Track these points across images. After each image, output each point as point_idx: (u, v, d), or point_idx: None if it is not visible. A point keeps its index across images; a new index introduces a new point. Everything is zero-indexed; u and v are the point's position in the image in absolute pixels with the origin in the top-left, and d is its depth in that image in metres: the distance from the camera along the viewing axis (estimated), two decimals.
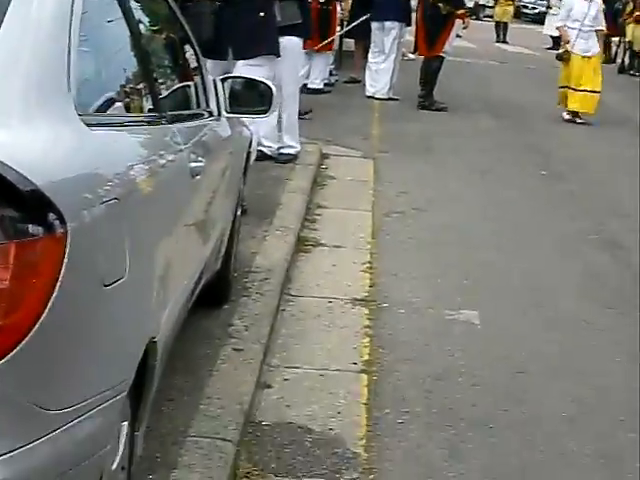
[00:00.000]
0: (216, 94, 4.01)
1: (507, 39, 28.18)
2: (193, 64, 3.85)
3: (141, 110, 2.87)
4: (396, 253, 6.43)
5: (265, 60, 6.37)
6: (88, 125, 2.26)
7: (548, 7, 28.33)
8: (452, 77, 14.29)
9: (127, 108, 2.68)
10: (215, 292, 4.79)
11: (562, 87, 12.33)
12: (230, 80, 4.07)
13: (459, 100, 13.23)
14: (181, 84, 3.56)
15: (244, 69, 6.26)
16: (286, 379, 4.40)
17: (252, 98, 4.09)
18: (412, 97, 12.42)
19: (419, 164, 9.06)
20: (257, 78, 4.19)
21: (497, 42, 27.90)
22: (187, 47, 3.82)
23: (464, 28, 12.80)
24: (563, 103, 12.34)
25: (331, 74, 13.74)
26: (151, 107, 2.94)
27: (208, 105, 3.98)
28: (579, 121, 12.21)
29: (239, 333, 4.65)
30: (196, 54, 3.90)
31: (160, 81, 3.13)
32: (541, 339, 5.10)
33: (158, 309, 2.73)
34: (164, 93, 3.16)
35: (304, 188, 7.49)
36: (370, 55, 12.94)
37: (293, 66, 7.65)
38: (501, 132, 11.37)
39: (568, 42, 12.23)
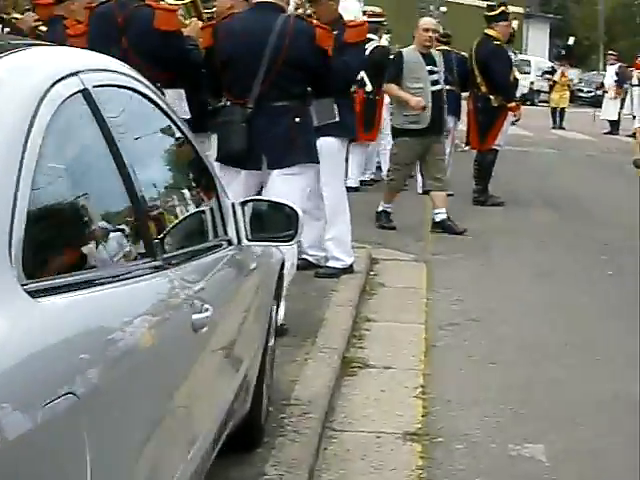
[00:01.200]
0: (235, 220, 3.51)
1: (564, 125, 27.67)
2: (204, 186, 3.35)
3: (127, 258, 2.37)
4: (451, 373, 5.84)
5: (303, 168, 5.88)
6: (34, 294, 1.76)
7: (604, 91, 27.81)
8: (507, 168, 13.75)
9: (101, 261, 2.18)
10: (246, 436, 4.24)
11: None
12: (251, 204, 3.57)
13: (516, 193, 12.68)
14: (187, 213, 3.06)
15: (280, 179, 5.78)
16: None
17: (277, 223, 3.58)
18: (466, 192, 11.89)
19: (475, 267, 8.49)
20: (281, 201, 3.68)
21: (553, 128, 27.39)
22: (195, 166, 3.32)
23: (516, 120, 12.31)
24: None
25: (379, 169, 13.25)
26: (140, 252, 2.44)
27: (226, 233, 3.48)
28: None
29: None
30: (208, 173, 3.40)
31: (154, 215, 2.63)
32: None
33: None
34: (161, 229, 2.66)
35: (351, 300, 6.95)
36: None
37: (333, 170, 7.16)
38: (562, 227, 10.78)
39: None
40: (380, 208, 10.02)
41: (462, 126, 13.63)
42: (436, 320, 6.90)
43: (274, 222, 3.60)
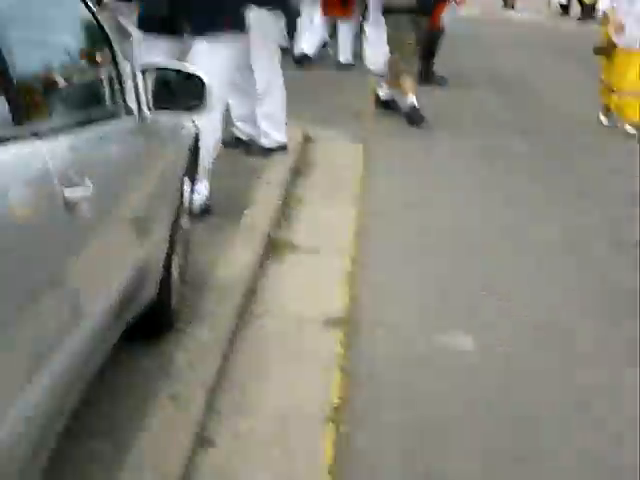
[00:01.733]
0: (135, 88, 3.17)
1: (515, 5, 27.16)
2: (98, 50, 2.98)
3: None
4: (381, 260, 5.60)
5: (230, 37, 5.49)
6: None
7: None
8: (454, 49, 13.36)
9: None
10: (154, 321, 3.98)
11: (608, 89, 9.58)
12: (153, 71, 3.22)
13: (461, 75, 12.34)
14: (71, 79, 2.71)
15: (203, 48, 5.39)
16: (234, 434, 3.59)
17: (186, 93, 3.24)
18: None
19: (415, 149, 8.18)
20: (188, 69, 3.33)
21: (505, 7, 26.88)
22: (86, 28, 2.95)
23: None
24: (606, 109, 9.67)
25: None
26: (4, 119, 2.11)
27: (125, 102, 3.14)
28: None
29: (180, 373, 3.83)
30: (103, 36, 3.04)
31: (26, 79, 2.28)
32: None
33: None
34: (33, 95, 2.32)
35: (281, 180, 6.64)
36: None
37: (265, 43, 6.79)
38: (510, 110, 10.48)
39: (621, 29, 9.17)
40: (409, 100, 9.20)
41: None
42: (369, 205, 6.62)
43: (183, 92, 3.26)
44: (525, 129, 9.36)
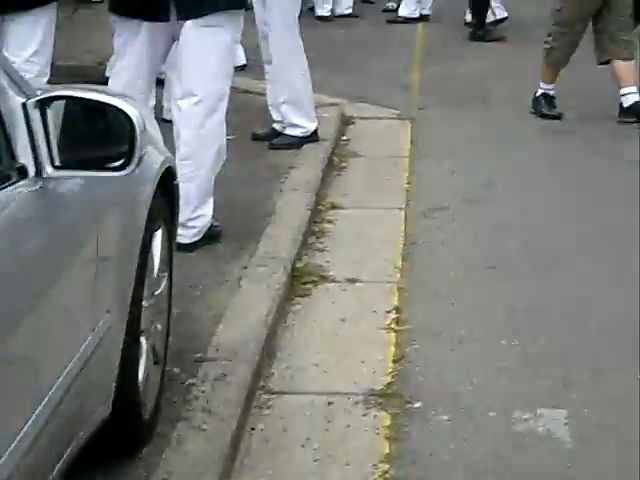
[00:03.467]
0: (30, 134, 1.99)
1: None
2: None
3: None
4: (436, 285, 4.38)
5: (228, 17, 4.25)
6: None
7: None
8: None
9: None
10: (119, 442, 2.83)
11: None
12: (58, 103, 2.03)
13: (520, 27, 10.90)
14: None
15: (195, 34, 4.18)
16: None
17: (109, 132, 2.05)
18: (459, 23, 10.12)
19: (472, 124, 6.86)
20: (108, 100, 2.12)
21: None
22: None
23: None
24: None
25: None
26: None
27: (14, 158, 1.96)
28: None
29: None
30: None
31: None
32: None
33: None
34: None
35: (310, 181, 5.43)
36: None
37: (282, 20, 5.55)
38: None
39: None
40: (539, 91, 6.99)
41: None
42: (421, 202, 5.39)
43: (104, 131, 2.07)
44: None
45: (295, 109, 5.82)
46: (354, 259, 4.64)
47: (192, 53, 4.18)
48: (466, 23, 10.05)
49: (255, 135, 6.07)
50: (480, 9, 9.93)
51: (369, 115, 7.08)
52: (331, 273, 4.48)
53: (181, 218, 4.32)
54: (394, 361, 3.72)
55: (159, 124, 4.32)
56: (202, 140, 4.30)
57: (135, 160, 2.04)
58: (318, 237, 4.91)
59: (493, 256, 4.68)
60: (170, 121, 4.59)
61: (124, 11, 4.21)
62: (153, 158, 2.84)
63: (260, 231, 4.68)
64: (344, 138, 6.53)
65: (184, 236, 4.38)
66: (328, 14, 10.50)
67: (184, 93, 4.26)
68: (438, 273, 4.50)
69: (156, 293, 3.00)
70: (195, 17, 4.16)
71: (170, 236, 3.11)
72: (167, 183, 3.00)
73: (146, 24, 4.21)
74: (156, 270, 2.97)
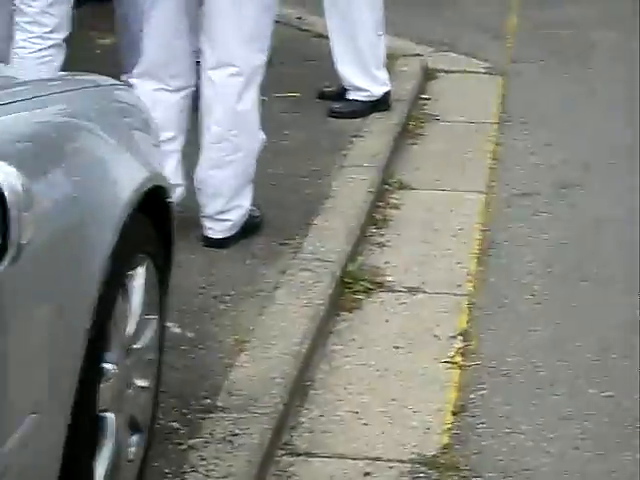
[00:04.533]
0: None
1: None
2: None
3: None
4: (516, 302, 3.60)
5: None
6: None
7: None
8: None
9: None
10: None
11: None
12: None
13: None
14: None
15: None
16: None
17: None
18: None
19: (572, 82, 5.98)
20: None
21: None
22: None
23: None
24: None
25: None
26: None
27: None
28: None
29: None
30: None
31: None
32: None
33: None
34: None
35: (378, 155, 4.64)
36: None
37: None
38: None
39: None
40: None
41: None
42: (505, 185, 4.58)
43: None
44: None
45: (358, 69, 4.99)
46: (419, 259, 3.89)
47: (225, 14, 3.42)
48: None
49: (321, 93, 5.27)
50: None
51: (455, 68, 6.22)
52: (389, 279, 3.73)
53: (210, 211, 3.66)
54: (454, 413, 2.98)
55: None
56: (240, 118, 3.56)
57: (10, 252, 1.32)
58: (379, 227, 4.15)
59: (589, 263, 3.86)
60: None
61: None
62: (126, 176, 2.12)
63: (309, 220, 3.95)
64: (424, 96, 5.70)
65: (215, 230, 3.69)
66: None
67: (218, 62, 3.51)
68: (519, 286, 3.71)
69: (136, 347, 2.30)
70: None
71: (162, 270, 2.39)
72: (155, 205, 2.28)
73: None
74: (134, 320, 2.26)
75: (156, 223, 2.33)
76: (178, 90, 3.60)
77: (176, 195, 3.68)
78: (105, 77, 2.47)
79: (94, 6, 6.70)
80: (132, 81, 3.58)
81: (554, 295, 3.64)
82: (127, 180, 2.16)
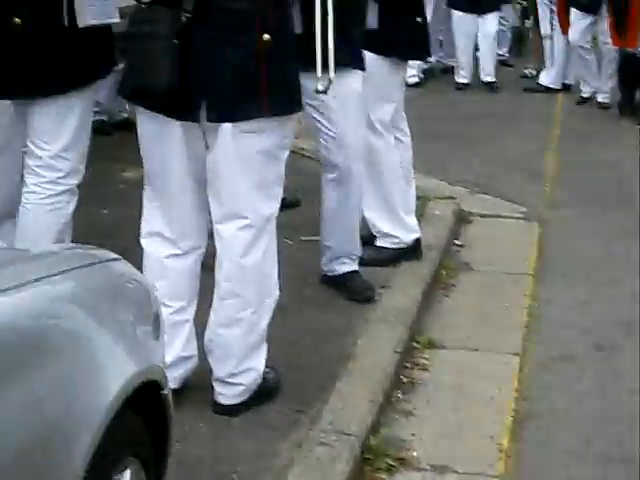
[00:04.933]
0: None
1: None
2: None
3: None
4: None
5: (272, 124, 3.22)
6: None
7: None
8: None
9: None
10: None
11: None
12: None
13: None
14: None
15: (232, 142, 3.17)
16: None
17: None
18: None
19: (614, 232, 5.71)
20: None
21: None
22: None
23: None
24: None
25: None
26: None
27: None
28: None
29: None
30: None
31: None
32: None
33: None
34: None
35: (407, 310, 4.37)
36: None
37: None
38: None
39: None
40: None
41: None
42: (541, 347, 4.28)
43: None
44: None
45: (385, 216, 4.76)
46: (448, 432, 3.57)
47: (231, 164, 3.20)
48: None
49: None
50: (629, 78, 8.74)
51: (490, 212, 6.01)
52: (415, 454, 3.42)
53: (220, 373, 3.38)
54: None
55: None
56: (248, 272, 3.29)
57: None
58: (405, 392, 3.85)
59: (630, 449, 3.52)
60: None
61: (145, 101, 3.24)
62: (112, 372, 1.87)
63: (330, 384, 3.66)
64: (457, 242, 5.47)
65: (225, 395, 3.41)
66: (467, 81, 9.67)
67: (225, 215, 3.27)
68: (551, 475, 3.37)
69: None
70: (231, 120, 3.16)
71: (152, 473, 2.11)
72: (146, 401, 2.02)
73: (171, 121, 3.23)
74: None
75: (148, 422, 2.06)
76: (187, 253, 3.36)
77: (187, 367, 3.44)
78: (104, 251, 2.25)
79: (124, 133, 6.52)
80: (142, 242, 3.35)
81: None
82: (113, 376, 1.90)
